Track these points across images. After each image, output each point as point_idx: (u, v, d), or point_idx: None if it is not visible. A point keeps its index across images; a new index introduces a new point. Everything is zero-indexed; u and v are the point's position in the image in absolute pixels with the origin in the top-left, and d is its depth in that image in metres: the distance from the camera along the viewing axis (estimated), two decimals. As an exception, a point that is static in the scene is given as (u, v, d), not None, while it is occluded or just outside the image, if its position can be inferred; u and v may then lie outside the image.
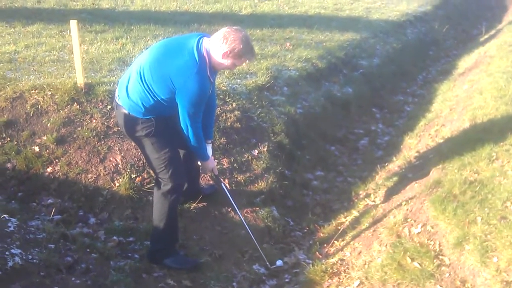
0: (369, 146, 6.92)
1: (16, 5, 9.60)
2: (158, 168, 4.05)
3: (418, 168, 5.44)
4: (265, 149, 5.67)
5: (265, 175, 5.37)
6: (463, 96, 7.27)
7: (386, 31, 10.76)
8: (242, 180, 5.23)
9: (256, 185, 5.24)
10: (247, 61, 4.07)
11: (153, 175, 4.71)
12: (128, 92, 3.90)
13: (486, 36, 12.13)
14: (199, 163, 4.40)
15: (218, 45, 3.69)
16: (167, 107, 3.87)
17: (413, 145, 6.31)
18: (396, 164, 5.89)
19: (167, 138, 4.06)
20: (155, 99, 3.82)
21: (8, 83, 5.75)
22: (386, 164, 6.06)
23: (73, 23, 5.33)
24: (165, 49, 3.87)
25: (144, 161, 5.01)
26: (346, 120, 7.39)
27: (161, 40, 4.10)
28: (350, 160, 6.55)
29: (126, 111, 3.93)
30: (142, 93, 3.82)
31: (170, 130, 4.01)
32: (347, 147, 6.83)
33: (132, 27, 8.53)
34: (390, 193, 5.16)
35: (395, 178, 5.46)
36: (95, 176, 4.91)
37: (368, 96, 8.14)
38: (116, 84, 4.15)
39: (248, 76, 6.95)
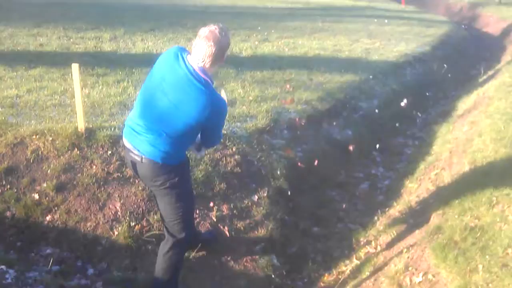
0: (369, 191, 6.90)
1: (19, 48, 9.70)
2: (175, 218, 3.98)
3: (419, 214, 5.43)
4: (265, 194, 5.66)
5: (265, 221, 5.34)
6: (462, 139, 7.28)
7: (385, 72, 10.83)
8: (242, 227, 5.20)
9: (256, 232, 5.21)
10: None
11: (152, 223, 4.71)
12: (151, 141, 3.78)
13: (484, 77, 12.21)
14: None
15: (205, 51, 3.60)
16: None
17: (414, 190, 6.31)
18: (396, 209, 5.87)
19: (190, 185, 4.07)
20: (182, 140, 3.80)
21: (9, 129, 5.78)
22: (387, 209, 6.04)
23: (75, 67, 5.37)
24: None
25: (144, 208, 5.01)
26: (346, 163, 7.39)
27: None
28: (350, 205, 6.52)
29: (156, 161, 3.80)
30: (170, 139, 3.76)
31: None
32: (347, 192, 6.81)
33: (134, 70, 8.61)
34: (391, 239, 5.13)
35: (396, 224, 5.44)
36: (94, 224, 4.89)
37: (368, 138, 8.15)
38: (122, 134, 4.02)
39: (248, 119, 6.98)
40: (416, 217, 5.40)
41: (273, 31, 14.03)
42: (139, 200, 5.09)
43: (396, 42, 14.05)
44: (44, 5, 14.47)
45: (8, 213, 4.96)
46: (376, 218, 5.87)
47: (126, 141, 3.90)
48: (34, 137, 5.62)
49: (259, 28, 14.24)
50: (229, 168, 5.76)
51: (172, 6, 17.13)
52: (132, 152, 3.84)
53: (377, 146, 8.02)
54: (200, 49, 3.59)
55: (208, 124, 3.70)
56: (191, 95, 3.60)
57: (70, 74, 7.18)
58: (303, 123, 7.35)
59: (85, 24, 12.07)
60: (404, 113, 9.67)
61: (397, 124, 9.02)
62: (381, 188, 7.02)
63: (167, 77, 3.68)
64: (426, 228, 4.85)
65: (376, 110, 8.94)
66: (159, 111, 3.70)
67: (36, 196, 5.08)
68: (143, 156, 3.78)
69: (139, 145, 3.80)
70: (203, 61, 3.62)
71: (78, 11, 14.00)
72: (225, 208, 5.31)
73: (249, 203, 5.48)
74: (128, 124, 3.92)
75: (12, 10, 13.31)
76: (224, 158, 5.85)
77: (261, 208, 5.47)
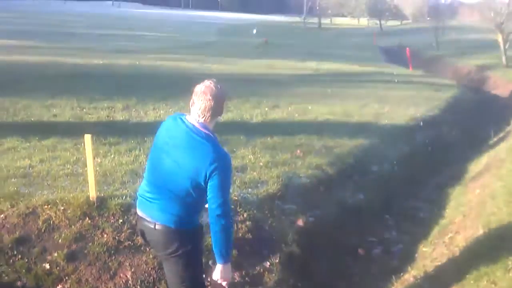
0: (383, 255, 6.81)
1: (32, 119, 9.88)
2: None
3: (434, 279, 5.33)
4: (277, 260, 5.60)
5: (278, 288, 5.27)
6: (475, 201, 7.24)
7: (395, 136, 10.88)
8: (254, 295, 5.14)
9: (268, 300, 5.14)
10: None
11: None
12: (162, 206, 3.77)
13: (495, 139, 12.23)
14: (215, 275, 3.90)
15: (204, 106, 3.66)
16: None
17: (428, 254, 6.22)
18: (411, 274, 5.77)
19: (201, 255, 4.03)
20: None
21: (21, 199, 5.82)
22: (401, 274, 5.93)
23: (87, 138, 5.47)
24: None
25: (155, 276, 4.97)
26: (359, 227, 7.32)
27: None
28: (364, 270, 6.43)
29: (169, 226, 3.74)
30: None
31: None
32: (360, 256, 6.73)
33: (146, 138, 8.69)
34: (407, 306, 5.03)
35: (411, 290, 5.34)
36: (105, 293, 4.85)
37: (380, 202, 8.11)
38: (136, 204, 3.99)
39: (259, 185, 6.99)
40: (431, 283, 5.31)
41: (283, 97, 14.21)
42: (150, 269, 5.05)
43: (405, 106, 14.16)
44: (57, 77, 14.78)
45: (19, 283, 4.93)
46: (390, 283, 5.77)
47: (139, 211, 3.91)
48: (46, 206, 5.65)
49: (269, 94, 14.44)
50: (240, 234, 5.73)
51: (182, 74, 17.44)
52: (146, 220, 3.82)
53: (390, 209, 7.97)
54: (198, 105, 3.67)
55: (213, 179, 3.62)
56: (193, 149, 3.63)
57: (82, 144, 7.27)
58: (314, 188, 7.35)
59: (98, 95, 12.30)
60: (416, 176, 9.65)
61: (409, 187, 8.99)
62: (394, 252, 6.93)
63: (168, 140, 3.74)
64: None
65: (387, 174, 8.93)
66: (164, 174, 3.73)
67: (47, 266, 5.06)
68: (156, 223, 3.76)
69: (151, 212, 3.79)
70: (203, 117, 3.67)
71: (91, 82, 14.28)
72: (236, 275, 5.24)
73: (261, 270, 5.42)
74: (139, 194, 3.93)
75: (26, 82, 13.61)
76: (235, 225, 5.82)
77: (273, 274, 5.40)
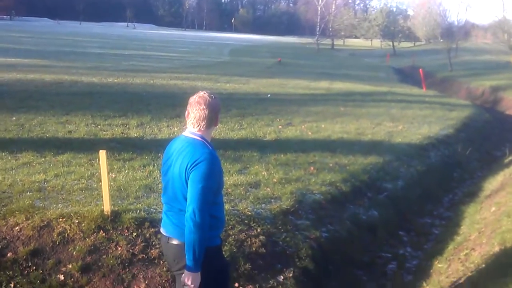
0: (397, 271, 6.76)
1: (47, 135, 9.96)
2: None
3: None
4: (291, 275, 5.58)
5: (291, 303, 5.25)
6: (491, 219, 7.18)
7: (409, 154, 10.86)
8: (268, 309, 5.11)
9: (282, 314, 5.11)
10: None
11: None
12: (174, 220, 3.76)
13: (510, 158, 12.15)
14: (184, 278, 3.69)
15: (198, 116, 3.69)
16: None
17: (443, 270, 6.16)
18: (426, 290, 5.73)
19: (214, 274, 3.90)
20: None
21: (37, 212, 5.85)
22: (416, 290, 5.90)
23: (102, 154, 5.52)
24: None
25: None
26: (373, 243, 7.29)
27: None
28: (378, 285, 6.38)
29: (180, 240, 3.69)
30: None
31: None
32: (375, 272, 6.69)
33: (159, 154, 8.71)
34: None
35: (426, 305, 5.29)
36: (118, 305, 4.85)
37: (394, 219, 8.08)
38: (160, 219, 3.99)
39: (272, 200, 6.99)
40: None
41: (296, 116, 14.25)
42: (163, 281, 5.05)
43: (419, 125, 14.15)
44: (72, 94, 14.94)
45: (33, 294, 4.96)
46: (405, 299, 5.73)
47: (161, 226, 3.95)
48: (60, 220, 5.68)
49: (282, 113, 14.48)
50: (254, 249, 5.73)
51: (195, 93, 17.56)
52: (162, 234, 3.87)
53: (404, 225, 7.92)
54: (193, 115, 3.70)
55: (190, 179, 3.59)
56: (181, 155, 3.68)
57: (97, 159, 7.35)
58: (327, 204, 7.33)
59: (113, 112, 12.40)
60: (431, 193, 9.60)
61: (423, 204, 8.93)
62: (409, 268, 6.88)
63: (170, 154, 3.81)
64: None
65: (401, 191, 8.89)
66: (171, 187, 3.78)
67: (62, 277, 5.08)
68: (169, 237, 3.78)
69: (166, 227, 3.83)
70: (198, 126, 3.70)
71: (106, 99, 14.41)
72: (250, 289, 5.24)
73: (275, 284, 5.40)
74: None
75: (41, 99, 13.74)
76: (249, 239, 5.83)
77: (287, 289, 5.38)
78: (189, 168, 3.58)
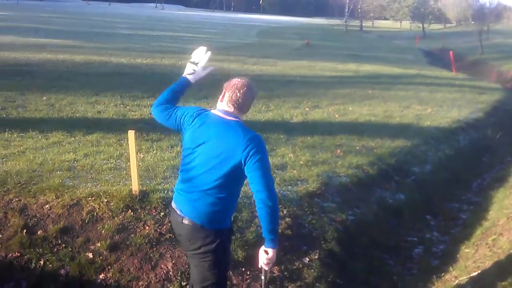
0: (424, 255, 6.73)
1: (77, 115, 10.08)
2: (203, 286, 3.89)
3: (477, 280, 5.24)
4: (316, 257, 5.60)
5: (317, 284, 5.27)
6: (520, 204, 7.10)
7: (437, 138, 10.75)
8: (293, 290, 5.14)
9: (308, 295, 5.14)
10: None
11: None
12: (191, 201, 3.75)
13: (541, 142, 11.97)
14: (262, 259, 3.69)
15: (235, 99, 3.74)
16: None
17: (470, 255, 6.12)
18: (453, 274, 5.69)
19: (227, 256, 3.99)
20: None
21: (66, 191, 5.94)
22: (442, 274, 5.86)
23: (131, 134, 5.58)
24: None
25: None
26: (399, 227, 7.26)
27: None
28: (404, 269, 6.37)
29: (195, 222, 3.72)
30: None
31: None
32: (401, 256, 6.66)
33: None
34: (448, 306, 4.96)
35: (452, 290, 5.26)
36: (146, 283, 4.92)
37: (421, 203, 8.02)
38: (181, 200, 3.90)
39: (298, 182, 6.99)
40: (473, 284, 5.22)
41: (323, 98, 14.19)
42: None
43: (448, 108, 13.98)
44: (102, 76, 15.07)
45: (62, 271, 5.05)
46: (431, 283, 5.69)
47: (173, 203, 3.93)
48: (89, 198, 5.77)
49: (309, 95, 14.43)
50: (280, 230, 5.73)
51: (223, 74, 17.49)
52: (176, 212, 3.84)
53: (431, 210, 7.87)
54: (236, 98, 3.71)
55: (251, 162, 3.57)
56: (223, 137, 3.64)
57: (125, 140, 7.42)
58: (354, 187, 7.31)
59: (141, 92, 12.49)
60: (459, 178, 9.51)
61: (451, 189, 8.86)
62: (436, 252, 6.84)
63: (206, 133, 3.72)
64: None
65: (429, 175, 8.82)
66: (194, 168, 3.74)
67: (90, 255, 5.17)
68: (183, 217, 3.76)
69: (182, 206, 3.80)
70: (238, 109, 3.73)
71: (135, 80, 14.51)
72: (276, 270, 5.27)
73: (300, 265, 5.43)
74: (176, 188, 3.95)
75: (71, 79, 13.90)
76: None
77: (313, 270, 5.40)
78: (244, 151, 3.55)
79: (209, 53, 4.12)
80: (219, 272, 3.86)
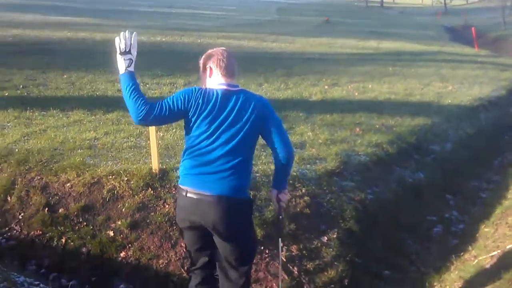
0: (443, 234, 6.71)
1: (97, 93, 10.15)
2: (250, 258, 3.98)
3: (496, 259, 5.22)
4: (335, 236, 5.61)
5: (335, 263, 5.28)
6: (541, 183, 7.03)
7: (458, 116, 10.64)
8: (311, 268, 5.16)
9: (326, 273, 5.15)
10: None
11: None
12: (218, 176, 3.68)
13: None
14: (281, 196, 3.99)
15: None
16: None
17: (490, 234, 6.09)
18: (472, 254, 5.67)
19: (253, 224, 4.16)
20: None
21: (87, 169, 6.00)
22: (462, 253, 5.84)
23: (151, 112, 5.58)
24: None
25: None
26: (418, 206, 7.23)
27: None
28: (423, 248, 6.35)
29: (229, 196, 3.68)
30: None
31: None
32: (419, 235, 6.64)
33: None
34: (466, 285, 4.95)
35: (471, 270, 5.24)
36: (166, 261, 4.99)
37: (441, 182, 7.97)
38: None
39: (317, 161, 6.97)
40: (493, 263, 5.20)
41: (342, 75, 14.10)
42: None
43: (469, 86, 13.82)
44: (122, 54, 15.10)
45: (84, 249, 5.14)
46: (450, 262, 5.69)
47: (191, 188, 3.71)
48: (110, 177, 5.82)
49: (328, 73, 14.34)
50: (298, 209, 5.76)
51: (244, 53, 17.49)
52: (203, 195, 3.66)
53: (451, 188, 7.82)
54: (230, 67, 3.78)
55: (271, 123, 3.75)
56: (239, 108, 3.69)
57: (145, 118, 7.43)
58: (373, 166, 7.29)
59: (161, 71, 12.52)
60: (479, 157, 9.42)
61: (471, 168, 8.79)
62: (455, 232, 6.81)
63: (211, 113, 3.68)
64: (505, 275, 4.65)
65: (449, 154, 8.76)
66: (218, 146, 3.68)
67: (111, 233, 5.24)
68: (219, 196, 3.64)
69: (213, 185, 3.66)
70: (232, 77, 3.79)
71: (154, 58, 14.49)
72: (294, 249, 5.30)
73: (319, 244, 5.44)
74: (190, 173, 3.77)
75: (92, 58, 13.97)
76: (293, 199, 5.85)
77: (331, 249, 5.41)
78: (264, 115, 3.72)
79: (135, 33, 3.84)
80: (249, 240, 3.91)
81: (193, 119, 3.70)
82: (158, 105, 3.71)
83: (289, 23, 33.24)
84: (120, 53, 3.80)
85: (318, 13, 44.40)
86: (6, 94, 9.77)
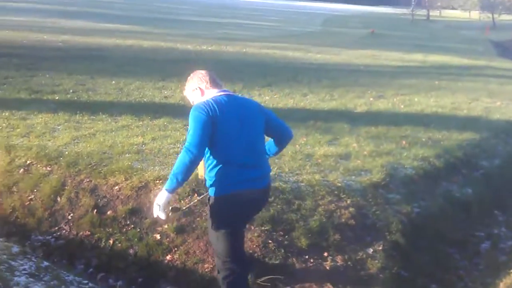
0: (491, 251, 6.56)
1: (145, 100, 10.30)
2: None
3: (547, 278, 5.09)
4: (380, 248, 5.55)
5: (380, 275, 5.22)
6: None
7: (508, 132, 10.41)
8: (356, 279, 5.12)
9: (371, 286, 5.10)
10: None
11: (268, 268, 4.73)
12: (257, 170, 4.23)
13: None
14: None
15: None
16: None
17: (540, 253, 5.94)
18: (521, 271, 5.54)
19: None
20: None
21: (135, 173, 6.10)
22: (510, 270, 5.70)
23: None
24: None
25: (259, 253, 5.09)
26: (466, 222, 7.09)
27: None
28: (471, 264, 6.22)
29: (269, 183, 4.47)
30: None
31: None
32: (467, 251, 6.51)
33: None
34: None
35: (521, 287, 5.12)
36: (211, 266, 5.01)
37: (489, 197, 7.80)
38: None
39: (362, 173, 6.94)
40: (543, 282, 5.07)
41: (388, 88, 13.97)
42: (254, 246, 5.17)
43: (518, 101, 13.52)
44: (168, 61, 15.34)
45: (131, 251, 5.22)
46: (499, 279, 5.55)
47: (234, 191, 4.16)
48: (157, 181, 5.90)
49: (373, 85, 14.24)
50: (343, 220, 5.73)
51: (288, 63, 17.56)
52: (256, 189, 4.19)
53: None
54: (214, 82, 4.31)
55: (272, 117, 4.36)
56: (247, 109, 4.21)
57: (192, 125, 7.51)
58: (419, 180, 7.19)
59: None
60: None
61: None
62: (504, 248, 6.65)
63: (231, 120, 4.09)
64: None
65: (498, 170, 8.57)
66: (250, 142, 4.17)
67: (158, 237, 5.30)
68: (267, 184, 4.38)
69: (258, 179, 4.23)
70: (223, 86, 4.36)
71: (200, 67, 14.53)
72: (339, 259, 5.27)
73: (364, 256, 5.40)
74: (228, 180, 4.20)
75: (139, 65, 14.21)
76: (338, 210, 5.84)
77: (376, 261, 5.36)
78: (262, 111, 4.32)
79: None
80: None
81: (218, 129, 4.03)
82: (199, 145, 4.09)
83: (334, 34, 33.17)
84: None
85: (363, 25, 44.18)
86: (57, 98, 10.00)
